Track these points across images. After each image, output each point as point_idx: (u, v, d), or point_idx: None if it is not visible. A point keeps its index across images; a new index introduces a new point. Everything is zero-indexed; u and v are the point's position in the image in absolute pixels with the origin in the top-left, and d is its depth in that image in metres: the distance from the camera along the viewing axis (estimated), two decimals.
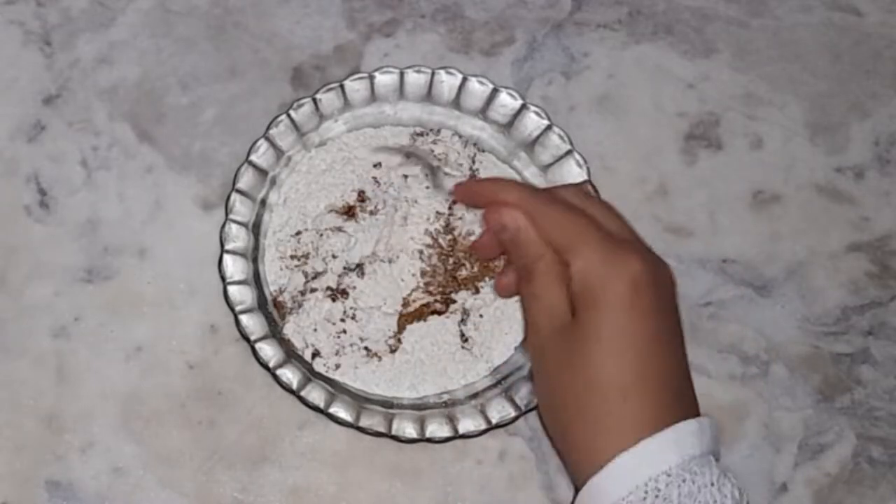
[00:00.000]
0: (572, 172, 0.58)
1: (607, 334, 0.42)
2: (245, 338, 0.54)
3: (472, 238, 0.55)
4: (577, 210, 0.45)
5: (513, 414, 0.53)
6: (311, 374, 0.54)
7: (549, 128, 0.59)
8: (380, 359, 0.55)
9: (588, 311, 0.42)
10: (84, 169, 0.60)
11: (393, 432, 0.53)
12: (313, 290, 0.55)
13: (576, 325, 0.43)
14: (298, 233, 0.57)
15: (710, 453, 0.42)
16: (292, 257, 0.56)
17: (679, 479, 0.40)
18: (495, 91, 0.59)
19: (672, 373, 0.43)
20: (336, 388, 0.54)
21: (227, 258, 0.55)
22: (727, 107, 0.64)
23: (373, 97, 0.60)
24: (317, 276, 0.56)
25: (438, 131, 0.59)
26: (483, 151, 0.59)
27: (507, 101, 0.59)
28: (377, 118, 0.60)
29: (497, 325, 0.56)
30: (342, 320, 0.55)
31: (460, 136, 0.59)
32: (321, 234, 0.56)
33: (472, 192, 0.49)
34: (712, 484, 0.40)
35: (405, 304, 0.55)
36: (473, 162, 0.59)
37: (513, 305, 0.56)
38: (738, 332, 0.58)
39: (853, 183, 0.62)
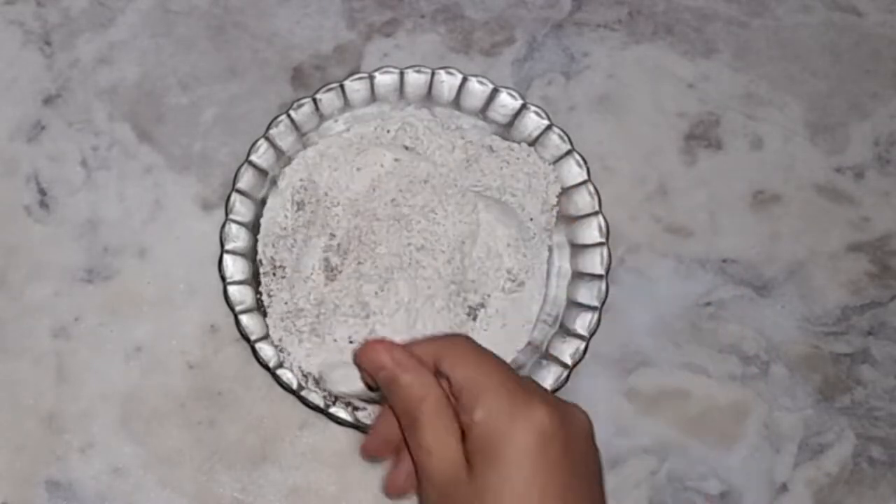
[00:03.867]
0: (572, 172, 0.58)
1: (509, 494, 0.38)
2: (245, 338, 0.54)
3: None
4: (484, 349, 0.41)
5: None
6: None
7: (549, 128, 0.59)
8: None
9: (489, 468, 0.38)
10: (84, 169, 0.60)
11: None
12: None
13: (473, 483, 0.38)
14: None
15: None
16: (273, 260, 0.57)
17: None
18: (495, 91, 0.59)
19: None
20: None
21: (227, 258, 0.55)
22: (727, 107, 0.64)
23: (373, 97, 0.60)
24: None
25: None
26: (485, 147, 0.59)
27: (507, 101, 0.59)
28: (377, 118, 0.60)
29: (499, 325, 0.56)
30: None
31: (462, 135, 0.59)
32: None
33: (364, 355, 0.43)
34: None
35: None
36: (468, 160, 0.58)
37: (516, 307, 0.56)
38: (738, 332, 0.58)
39: (853, 183, 0.62)
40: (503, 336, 0.56)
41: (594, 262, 0.56)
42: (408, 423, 0.41)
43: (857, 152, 0.63)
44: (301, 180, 0.57)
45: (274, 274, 0.56)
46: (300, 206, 0.57)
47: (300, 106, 0.59)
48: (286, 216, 0.57)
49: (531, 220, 0.57)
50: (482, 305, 0.56)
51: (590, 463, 0.40)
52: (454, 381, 0.40)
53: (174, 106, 0.62)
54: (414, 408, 0.40)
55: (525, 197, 0.58)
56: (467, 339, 0.43)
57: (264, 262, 0.56)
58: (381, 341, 0.42)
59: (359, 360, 0.43)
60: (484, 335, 0.55)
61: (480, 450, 0.38)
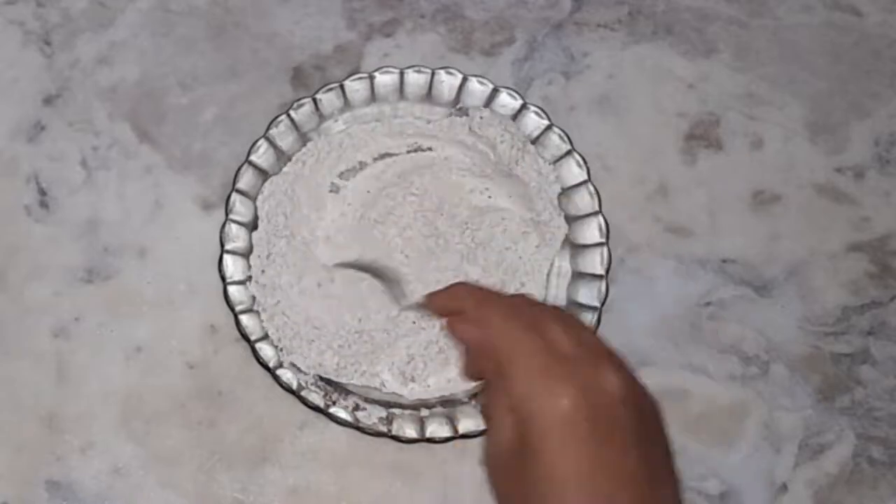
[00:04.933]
0: (572, 172, 0.58)
1: (544, 474, 0.39)
2: (245, 338, 0.54)
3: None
4: (518, 319, 0.43)
5: None
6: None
7: (549, 128, 0.59)
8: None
9: (526, 448, 0.40)
10: (84, 169, 0.60)
11: (393, 432, 0.53)
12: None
13: (520, 455, 0.40)
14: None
15: None
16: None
17: None
18: (495, 91, 0.59)
19: (628, 489, 0.39)
20: (337, 388, 0.54)
21: (227, 258, 0.55)
22: (727, 107, 0.64)
23: (373, 97, 0.60)
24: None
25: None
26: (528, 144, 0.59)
27: (507, 101, 0.59)
28: (377, 118, 0.60)
29: None
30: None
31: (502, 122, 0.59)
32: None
33: (434, 304, 0.49)
34: None
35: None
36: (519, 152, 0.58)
37: None
38: (738, 332, 0.58)
39: (853, 183, 0.62)
40: None
41: (594, 263, 0.56)
42: (487, 384, 0.43)
43: (857, 152, 0.63)
44: (293, 182, 0.58)
45: (264, 271, 0.56)
46: (295, 205, 0.57)
47: (300, 106, 0.59)
48: (285, 216, 0.57)
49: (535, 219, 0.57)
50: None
51: (623, 429, 0.40)
52: (495, 361, 0.42)
53: (174, 106, 0.62)
54: (488, 377, 0.43)
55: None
56: (500, 308, 0.44)
57: (261, 258, 0.56)
58: (463, 319, 0.45)
59: (448, 331, 0.46)
60: None
61: (520, 428, 0.40)
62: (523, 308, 0.44)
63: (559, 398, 0.39)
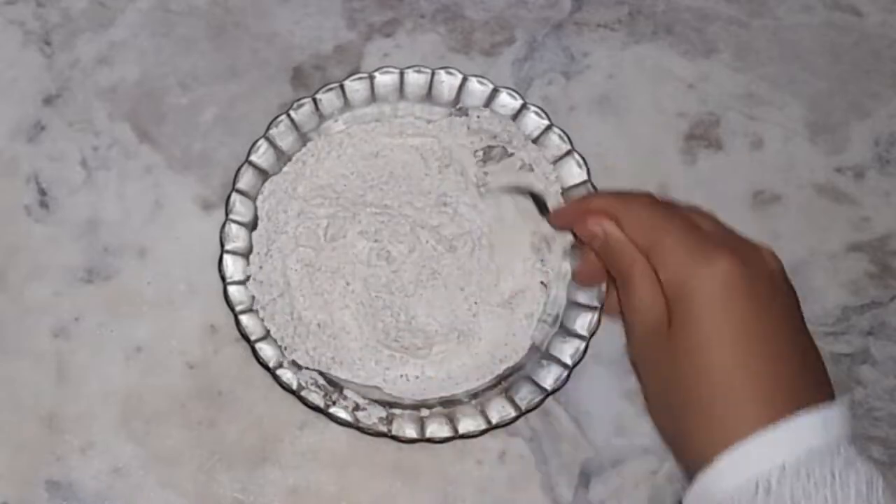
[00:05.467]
0: (572, 172, 0.58)
1: (705, 338, 0.40)
2: (245, 338, 0.54)
3: None
4: (662, 206, 0.44)
5: (513, 414, 0.53)
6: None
7: (549, 128, 0.59)
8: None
9: (680, 322, 0.41)
10: (84, 169, 0.60)
11: (393, 432, 0.53)
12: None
13: (671, 336, 0.42)
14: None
15: (839, 442, 0.39)
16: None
17: (793, 475, 0.37)
18: (495, 91, 0.59)
19: (785, 361, 0.40)
20: (337, 388, 0.54)
21: (227, 258, 0.55)
22: (727, 107, 0.64)
23: (373, 97, 0.60)
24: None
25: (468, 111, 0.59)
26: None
27: (507, 101, 0.59)
28: (377, 118, 0.60)
29: (501, 325, 0.56)
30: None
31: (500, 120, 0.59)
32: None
33: (564, 215, 0.51)
34: (833, 476, 0.37)
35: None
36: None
37: (514, 307, 0.56)
38: None
39: (853, 183, 0.62)
40: (502, 334, 0.56)
41: None
42: (621, 282, 0.45)
43: (857, 152, 0.63)
44: (293, 180, 0.58)
45: (262, 267, 0.56)
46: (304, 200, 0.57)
47: (300, 106, 0.59)
48: (286, 214, 0.57)
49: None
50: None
51: (777, 303, 0.42)
52: (637, 244, 0.44)
53: (174, 106, 0.62)
54: (625, 272, 0.44)
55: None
56: (643, 199, 0.46)
57: (260, 256, 0.56)
58: (592, 212, 0.47)
59: (578, 232, 0.48)
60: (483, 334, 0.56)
61: (673, 307, 0.41)
62: (662, 201, 0.46)
63: (717, 262, 0.40)
